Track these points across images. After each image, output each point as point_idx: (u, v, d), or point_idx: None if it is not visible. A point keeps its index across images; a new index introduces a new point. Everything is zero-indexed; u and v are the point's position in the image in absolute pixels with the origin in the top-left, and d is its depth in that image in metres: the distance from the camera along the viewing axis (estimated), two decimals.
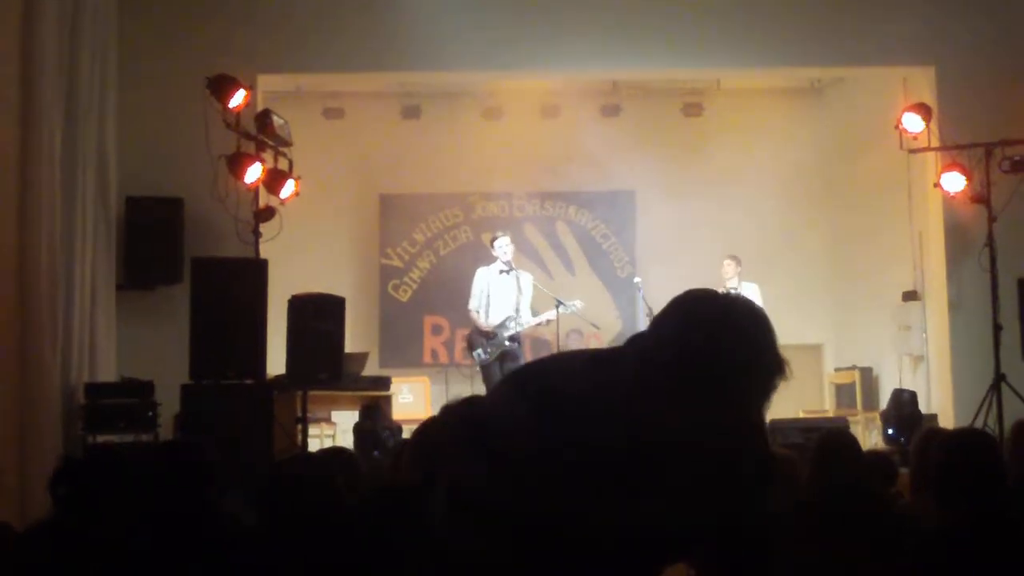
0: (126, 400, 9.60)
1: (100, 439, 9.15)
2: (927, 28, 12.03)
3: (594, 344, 14.47)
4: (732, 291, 12.71)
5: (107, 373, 10.30)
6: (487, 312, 12.11)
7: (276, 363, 10.04)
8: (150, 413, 9.54)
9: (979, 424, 10.06)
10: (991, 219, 11.04)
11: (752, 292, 12.70)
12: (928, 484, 4.35)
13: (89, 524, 4.07)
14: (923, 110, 11.40)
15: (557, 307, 12.21)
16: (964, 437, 4.30)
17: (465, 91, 14.85)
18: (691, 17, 12.18)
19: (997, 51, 11.99)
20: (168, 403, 9.64)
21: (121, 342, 10.77)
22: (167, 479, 4.19)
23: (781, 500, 4.93)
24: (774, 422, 10.25)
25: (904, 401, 11.01)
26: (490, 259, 12.50)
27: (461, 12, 11.85)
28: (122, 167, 10.99)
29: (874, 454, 6.69)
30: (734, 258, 12.94)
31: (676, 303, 2.59)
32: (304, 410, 9.92)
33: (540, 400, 2.46)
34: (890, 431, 11.33)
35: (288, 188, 11.04)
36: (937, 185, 11.51)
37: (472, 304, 12.32)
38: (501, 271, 12.19)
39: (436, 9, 11.76)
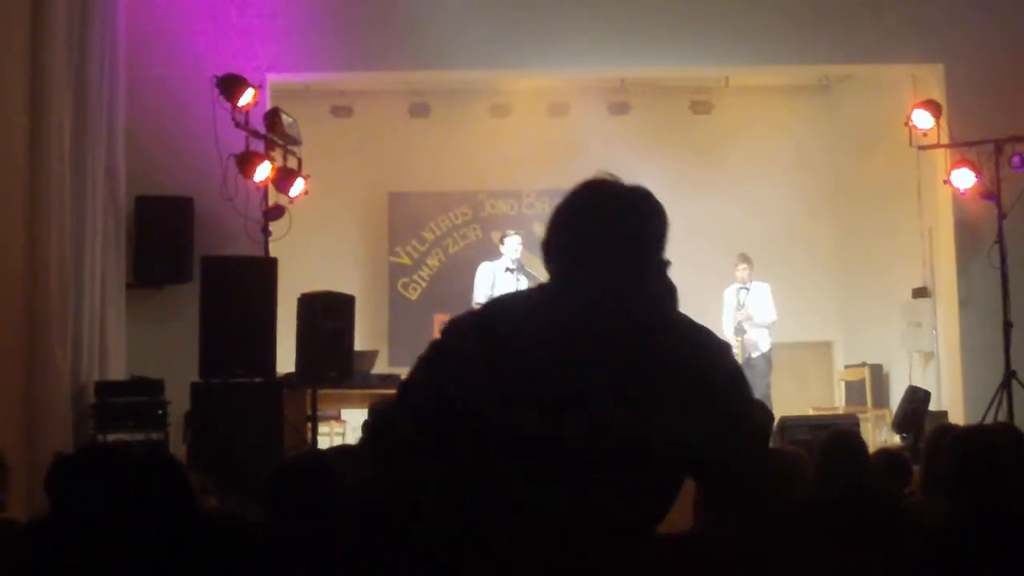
0: (136, 398, 9.57)
1: (110, 438, 9.16)
2: (935, 25, 12.01)
3: None
4: (743, 291, 12.74)
5: (117, 371, 10.30)
6: None
7: (286, 361, 10.04)
8: (160, 411, 9.53)
9: (989, 421, 10.04)
10: (1001, 216, 11.04)
11: (764, 292, 12.74)
12: (939, 481, 4.34)
13: (84, 521, 4.06)
14: (933, 107, 11.38)
15: None
16: (977, 434, 4.29)
17: (473, 89, 14.84)
18: (699, 15, 12.17)
19: (1006, 48, 11.97)
20: (178, 401, 9.63)
21: (131, 341, 10.76)
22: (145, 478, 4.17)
23: (789, 497, 4.93)
24: (784, 419, 10.23)
25: (916, 399, 10.96)
26: (496, 255, 12.50)
27: (469, 10, 11.84)
28: (131, 166, 10.99)
29: (886, 452, 6.66)
30: (746, 258, 12.93)
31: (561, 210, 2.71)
32: (314, 408, 9.92)
33: (490, 322, 2.65)
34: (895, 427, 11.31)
35: (297, 186, 11.06)
36: (947, 182, 11.51)
37: (478, 299, 12.26)
38: (507, 268, 12.15)
39: (444, 8, 11.76)
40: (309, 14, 11.90)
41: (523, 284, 12.08)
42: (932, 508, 4.57)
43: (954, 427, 5.93)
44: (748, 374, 11.06)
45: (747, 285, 12.80)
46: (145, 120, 11.26)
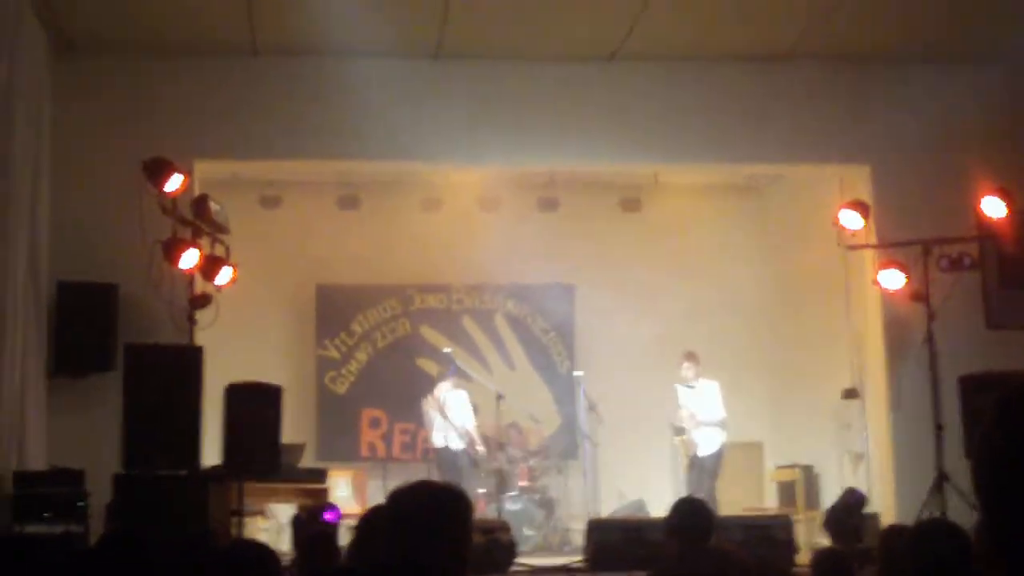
0: (56, 490, 9.31)
1: (28, 530, 8.87)
2: (861, 127, 12.13)
3: (533, 439, 14.30)
4: (690, 389, 12.59)
5: (37, 461, 10.03)
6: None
7: (212, 453, 9.82)
8: (80, 503, 9.26)
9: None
10: (930, 317, 11.04)
11: (712, 390, 12.61)
12: None
13: None
14: (860, 207, 11.44)
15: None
16: (930, 528, 4.22)
17: (403, 181, 14.75)
18: (628, 112, 12.23)
19: (931, 150, 12.06)
20: (99, 493, 9.35)
21: (52, 430, 10.51)
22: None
23: None
24: (718, 519, 10.12)
25: (852, 500, 10.85)
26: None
27: (399, 103, 11.84)
28: (54, 251, 10.80)
29: (831, 552, 6.58)
30: (691, 356, 12.79)
31: None
32: (240, 502, 9.68)
33: None
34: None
35: (225, 275, 10.89)
36: (875, 282, 11.54)
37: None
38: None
39: (373, 99, 11.73)
40: (238, 102, 11.83)
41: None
42: None
43: (906, 527, 5.84)
44: (694, 474, 10.95)
45: (692, 384, 12.65)
46: (69, 204, 11.07)
